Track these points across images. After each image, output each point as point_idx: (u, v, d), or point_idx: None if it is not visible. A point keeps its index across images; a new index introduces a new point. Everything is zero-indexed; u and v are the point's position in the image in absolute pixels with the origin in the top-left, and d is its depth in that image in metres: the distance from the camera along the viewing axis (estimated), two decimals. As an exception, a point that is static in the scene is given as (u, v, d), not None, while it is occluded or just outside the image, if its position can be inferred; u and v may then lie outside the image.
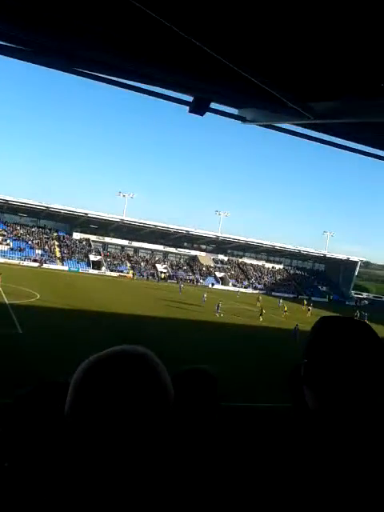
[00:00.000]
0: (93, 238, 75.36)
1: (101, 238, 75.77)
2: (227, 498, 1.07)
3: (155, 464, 0.98)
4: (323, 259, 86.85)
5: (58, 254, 69.99)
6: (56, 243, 72.27)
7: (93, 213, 70.64)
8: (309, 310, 47.63)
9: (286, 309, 43.45)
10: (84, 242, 74.44)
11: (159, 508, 0.95)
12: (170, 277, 71.35)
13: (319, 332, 1.19)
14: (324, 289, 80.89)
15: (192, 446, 1.48)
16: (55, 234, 74.02)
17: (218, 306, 37.17)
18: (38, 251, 68.16)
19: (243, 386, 15.95)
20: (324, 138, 3.91)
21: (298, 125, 3.72)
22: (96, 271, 67.48)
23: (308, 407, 1.19)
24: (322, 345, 1.16)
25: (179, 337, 24.26)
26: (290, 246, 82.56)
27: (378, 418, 1.12)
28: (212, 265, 79.43)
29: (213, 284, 71.14)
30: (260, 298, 52.75)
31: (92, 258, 70.98)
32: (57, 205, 68.52)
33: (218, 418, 1.76)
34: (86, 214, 70.28)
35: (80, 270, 66.24)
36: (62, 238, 73.63)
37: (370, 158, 4.14)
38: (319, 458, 1.08)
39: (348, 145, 4.01)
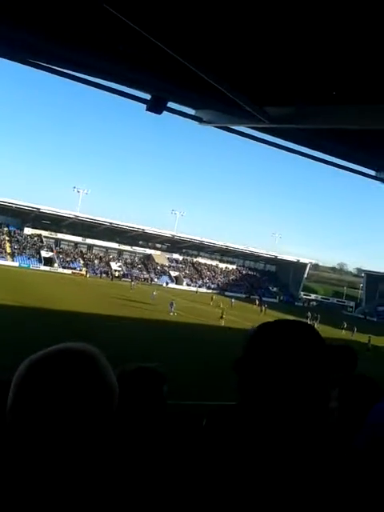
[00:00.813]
0: (45, 233, 73.55)
1: (53, 233, 74.07)
2: (166, 495, 1.06)
3: (99, 463, 0.96)
4: (274, 261, 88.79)
5: (9, 250, 67.85)
6: (6, 238, 70.01)
7: (45, 208, 68.91)
8: (262, 310, 48.57)
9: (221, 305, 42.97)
10: (36, 238, 72.55)
11: (104, 507, 0.94)
12: (124, 275, 70.74)
13: (256, 332, 1.18)
14: (275, 289, 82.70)
15: (137, 445, 1.48)
16: (6, 229, 71.68)
17: (172, 305, 36.96)
18: (-13, 246, 65.91)
19: (198, 385, 16.07)
20: (278, 143, 4.00)
21: (253, 128, 3.79)
22: (48, 268, 65.90)
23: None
24: (259, 345, 1.15)
25: (128, 336, 24.04)
26: (242, 246, 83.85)
27: (315, 426, 1.10)
28: (167, 264, 79.46)
29: (167, 283, 71.16)
30: (213, 297, 53.35)
31: (44, 254, 69.31)
32: (8, 198, 66.37)
33: (164, 416, 1.76)
34: (38, 208, 68.48)
35: (31, 267, 64.48)
36: (12, 233, 71.41)
37: (322, 164, 4.27)
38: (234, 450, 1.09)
39: (301, 150, 4.11)
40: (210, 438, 1.16)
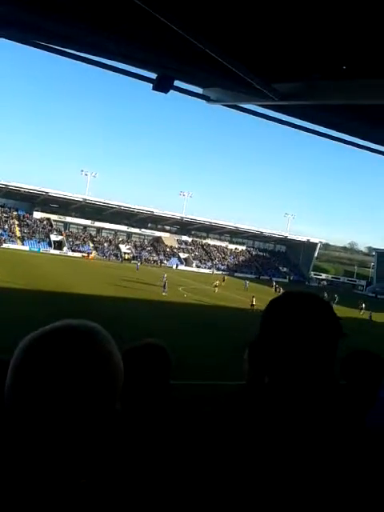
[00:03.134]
0: (54, 217, 73.77)
1: (62, 217, 74.27)
2: (178, 476, 1.04)
3: (105, 445, 0.93)
4: (284, 241, 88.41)
5: (18, 234, 68.27)
6: (16, 222, 70.39)
7: (54, 191, 69.02)
8: (276, 290, 48.08)
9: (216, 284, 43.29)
10: (45, 222, 72.82)
11: (110, 492, 0.91)
12: (133, 258, 70.94)
13: (271, 306, 1.17)
14: (285, 270, 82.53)
15: (144, 424, 1.47)
16: (15, 213, 72.01)
17: (165, 284, 35.88)
18: (-3, 230, 66.35)
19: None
20: (287, 120, 3.94)
21: (262, 106, 3.73)
22: (57, 251, 66.30)
23: (263, 382, 1.19)
24: (275, 318, 1.14)
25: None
26: (252, 227, 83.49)
27: (330, 397, 1.11)
28: (176, 246, 79.48)
29: (177, 265, 71.28)
30: (225, 278, 53.30)
31: (53, 237, 69.64)
32: (17, 183, 66.49)
33: (170, 393, 1.77)
34: (47, 192, 68.59)
35: (41, 250, 64.92)
36: (22, 217, 71.74)
37: (331, 141, 4.21)
38: (266, 431, 1.07)
39: (312, 127, 4.05)
40: (225, 418, 1.15)
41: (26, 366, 0.87)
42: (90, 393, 0.88)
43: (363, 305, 43.62)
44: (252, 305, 31.73)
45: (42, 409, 0.85)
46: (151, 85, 3.34)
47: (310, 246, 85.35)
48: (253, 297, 33.56)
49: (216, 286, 43.14)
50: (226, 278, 54.87)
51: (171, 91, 3.39)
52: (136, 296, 32.74)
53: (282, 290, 46.85)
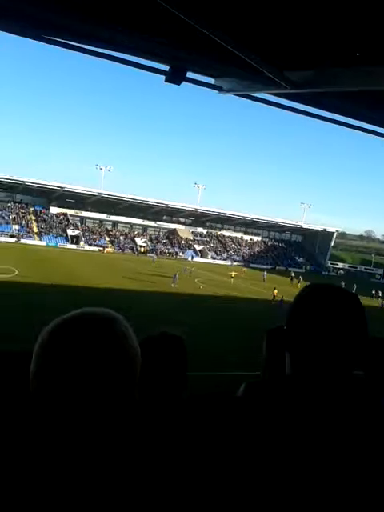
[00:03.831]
0: (70, 212, 74.35)
1: (78, 212, 74.81)
2: (199, 468, 1.04)
3: (125, 429, 0.95)
4: (300, 230, 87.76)
5: (36, 229, 68.98)
6: (33, 218, 71.12)
7: (70, 186, 69.49)
8: (292, 281, 47.93)
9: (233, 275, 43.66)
10: (61, 217, 73.42)
11: (130, 481, 0.93)
12: (150, 250, 71.18)
13: (303, 298, 1.18)
14: (301, 259, 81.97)
15: (161, 415, 1.49)
16: (32, 209, 72.74)
17: (175, 278, 35.89)
18: (15, 226, 67.04)
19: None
20: (301, 108, 3.90)
21: (274, 94, 3.70)
22: (75, 246, 66.88)
23: (284, 372, 1.20)
24: (304, 311, 1.15)
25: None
26: (267, 217, 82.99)
27: (353, 388, 1.13)
28: (191, 238, 79.50)
29: (192, 257, 71.32)
30: (245, 270, 53.14)
31: (70, 232, 70.22)
32: (33, 178, 67.09)
33: (186, 384, 1.78)
34: (63, 187, 69.10)
35: (58, 245, 65.54)
36: (38, 213, 72.44)
37: (348, 129, 4.16)
38: (290, 422, 1.07)
39: (326, 115, 4.01)
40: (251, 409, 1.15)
41: (49, 353, 0.90)
42: (111, 376, 0.90)
43: (373, 292, 45.37)
44: (274, 296, 31.68)
45: (66, 393, 0.87)
46: (164, 77, 3.34)
47: (326, 235, 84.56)
48: (274, 288, 33.46)
49: (232, 277, 43.15)
50: (245, 269, 54.70)
51: (183, 83, 3.39)
52: (155, 289, 32.93)
53: (298, 281, 46.79)
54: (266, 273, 52.47)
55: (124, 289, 30.96)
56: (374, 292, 46.08)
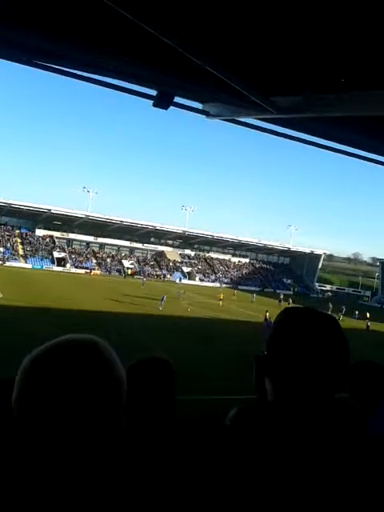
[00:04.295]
0: (57, 234, 74.12)
1: (65, 234, 74.62)
2: (182, 491, 1.03)
3: (110, 456, 0.93)
4: (288, 253, 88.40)
5: (21, 252, 68.49)
6: (18, 240, 70.68)
7: (56, 209, 69.40)
8: (288, 304, 48.11)
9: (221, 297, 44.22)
10: (48, 239, 73.11)
11: (115, 505, 0.91)
12: (137, 273, 70.98)
13: (281, 323, 1.16)
14: (289, 281, 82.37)
15: (149, 439, 1.46)
16: (17, 231, 72.35)
17: (162, 300, 35.97)
18: (0, 249, 66.50)
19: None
20: (287, 133, 3.95)
21: (262, 119, 3.75)
22: (61, 268, 66.42)
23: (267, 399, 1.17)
24: (283, 336, 1.13)
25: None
26: (255, 240, 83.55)
27: (335, 414, 1.10)
28: (179, 260, 79.55)
29: (180, 279, 71.25)
30: (235, 293, 53.34)
31: (56, 254, 69.85)
32: (19, 201, 66.88)
33: (175, 409, 1.75)
34: (49, 209, 68.96)
35: (44, 268, 65.04)
36: (24, 235, 72.04)
37: (333, 153, 4.22)
38: (271, 451, 1.05)
39: (312, 139, 4.07)
40: (238, 435, 1.13)
41: (32, 381, 0.89)
42: (95, 404, 0.89)
43: (356, 312, 46.78)
44: (266, 319, 31.72)
45: (48, 421, 0.86)
46: (151, 101, 3.36)
47: (313, 258, 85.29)
48: (266, 311, 33.49)
49: (221, 299, 43.32)
50: (235, 292, 54.95)
51: (171, 107, 3.42)
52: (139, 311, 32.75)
53: (288, 303, 47.00)
54: (254, 295, 52.69)
55: (112, 312, 30.73)
56: (356, 312, 47.01)
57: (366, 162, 4.32)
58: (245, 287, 70.05)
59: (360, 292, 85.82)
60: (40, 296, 34.32)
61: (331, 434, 1.06)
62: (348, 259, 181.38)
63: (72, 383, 0.87)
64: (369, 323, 39.83)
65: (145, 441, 1.41)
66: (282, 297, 54.01)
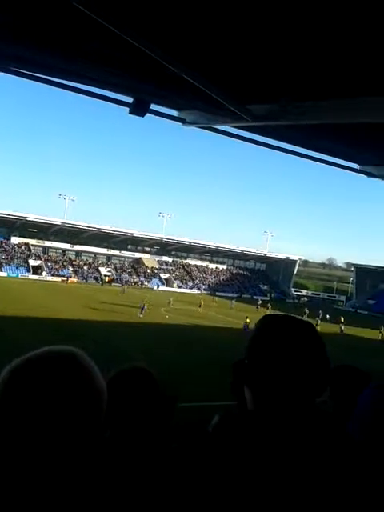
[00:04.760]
0: (32, 242, 73.05)
1: (41, 242, 73.62)
2: (166, 499, 1.03)
3: (90, 465, 0.93)
4: (264, 259, 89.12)
5: (-4, 260, 67.31)
6: (-7, 248, 69.45)
7: (32, 216, 68.43)
8: (266, 309, 48.36)
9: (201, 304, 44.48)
10: (23, 247, 71.99)
11: None
12: (114, 280, 70.46)
13: (261, 331, 1.16)
14: (265, 287, 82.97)
15: (132, 449, 1.45)
16: (-8, 240, 71.14)
17: (143, 308, 35.77)
18: (-26, 257, 65.23)
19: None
20: (262, 141, 4.00)
21: (238, 127, 3.79)
22: (36, 276, 65.42)
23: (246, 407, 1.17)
24: (263, 344, 1.13)
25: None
26: (232, 246, 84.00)
27: (315, 422, 1.10)
28: (156, 267, 79.30)
29: (158, 286, 70.99)
30: (216, 299, 53.44)
31: (32, 262, 68.80)
32: (-7, 208, 65.75)
33: (158, 419, 1.74)
34: (25, 217, 67.98)
35: (20, 276, 63.97)
36: (-1, 243, 70.89)
37: (304, 159, 4.29)
38: (253, 458, 1.04)
39: (285, 147, 4.12)
40: (220, 440, 1.12)
41: (11, 392, 0.88)
42: (74, 414, 0.89)
43: (327, 316, 46.97)
44: (247, 325, 31.84)
45: (27, 431, 0.86)
46: (127, 109, 3.36)
47: (289, 263, 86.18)
48: (246, 317, 33.58)
49: (200, 306, 43.52)
50: (215, 299, 55.07)
51: (148, 114, 3.43)
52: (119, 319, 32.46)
53: (265, 308, 47.33)
54: (233, 301, 52.92)
55: (91, 320, 30.39)
56: (328, 316, 47.45)
57: (337, 168, 4.40)
58: (222, 293, 70.23)
59: (335, 297, 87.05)
60: (18, 304, 33.72)
61: (312, 440, 1.06)
62: (323, 265, 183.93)
63: (51, 394, 0.87)
64: (343, 327, 40.41)
65: (129, 451, 1.40)
66: (260, 303, 54.33)
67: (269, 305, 50.52)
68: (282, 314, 1.21)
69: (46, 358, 0.93)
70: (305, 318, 37.95)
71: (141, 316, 35.07)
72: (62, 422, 0.87)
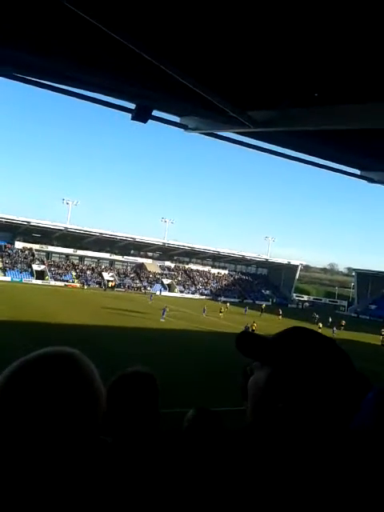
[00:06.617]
0: (36, 246, 73.11)
1: (44, 246, 73.65)
2: (166, 503, 1.01)
3: (87, 467, 0.93)
4: (266, 264, 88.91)
5: (0, 265, 67.31)
6: (-4, 253, 69.55)
7: (35, 221, 68.49)
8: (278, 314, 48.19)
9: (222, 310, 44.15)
10: (27, 252, 72.05)
11: None
12: (117, 285, 70.42)
13: (297, 347, 1.11)
14: (267, 292, 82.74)
15: (133, 453, 1.45)
16: (-5, 244, 71.23)
17: (164, 311, 35.92)
18: (-22, 262, 65.33)
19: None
20: (264, 146, 4.03)
21: (239, 133, 3.82)
22: (40, 281, 65.41)
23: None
24: (305, 362, 1.08)
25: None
26: (234, 251, 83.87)
27: (353, 443, 1.09)
28: (159, 272, 79.23)
29: (161, 291, 70.89)
30: (228, 305, 52.64)
31: (35, 267, 68.80)
32: (-3, 214, 65.92)
33: (159, 422, 1.75)
34: (29, 222, 68.06)
35: (23, 281, 63.98)
36: (3, 248, 70.83)
37: (306, 165, 4.32)
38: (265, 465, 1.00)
39: (286, 153, 4.15)
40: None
41: (10, 392, 0.88)
42: (71, 415, 0.89)
43: (320, 319, 45.48)
44: (254, 331, 31.69)
45: (25, 431, 0.86)
46: (130, 115, 3.41)
47: (290, 268, 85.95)
48: (253, 322, 33.32)
49: (221, 312, 42.94)
50: (227, 305, 53.86)
51: (150, 120, 3.47)
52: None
53: (276, 315, 46.77)
54: (247, 308, 52.09)
55: (101, 325, 30.34)
56: (317, 320, 45.71)
57: (338, 173, 4.43)
58: (224, 298, 70.04)
59: (336, 302, 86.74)
60: (23, 309, 33.68)
61: (345, 465, 1.03)
62: (324, 270, 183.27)
63: (49, 395, 0.88)
64: (335, 329, 39.72)
65: (129, 454, 1.40)
66: (263, 307, 53.95)
67: (279, 310, 50.19)
68: (307, 328, 1.16)
69: (45, 357, 0.94)
70: (316, 323, 37.39)
71: (163, 320, 35.08)
72: (60, 422, 0.88)
